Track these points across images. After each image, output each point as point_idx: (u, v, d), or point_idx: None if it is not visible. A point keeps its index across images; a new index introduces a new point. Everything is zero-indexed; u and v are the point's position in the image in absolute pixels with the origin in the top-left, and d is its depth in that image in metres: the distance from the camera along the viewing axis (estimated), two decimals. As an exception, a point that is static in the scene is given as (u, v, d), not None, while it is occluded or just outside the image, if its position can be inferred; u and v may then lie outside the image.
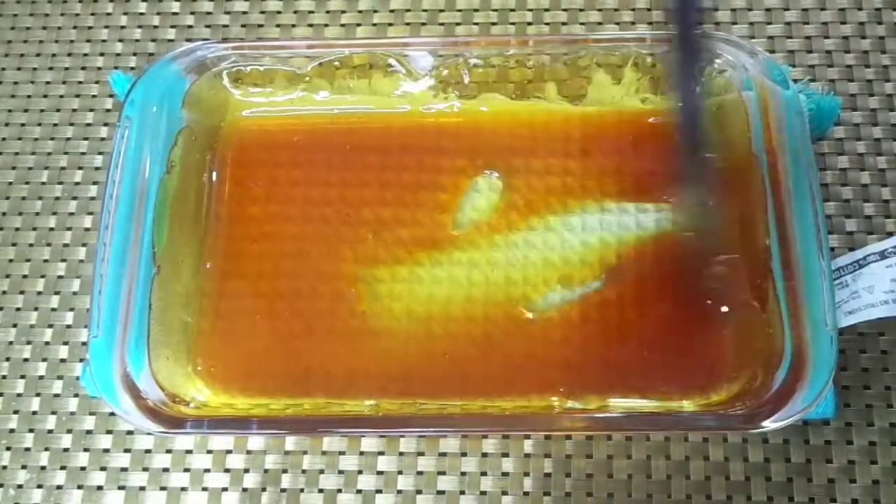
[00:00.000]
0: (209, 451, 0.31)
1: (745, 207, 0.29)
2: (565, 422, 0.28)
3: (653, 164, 0.32)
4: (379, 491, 0.30)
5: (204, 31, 0.37)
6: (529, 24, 0.36)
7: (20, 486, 0.31)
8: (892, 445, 0.30)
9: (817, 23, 0.36)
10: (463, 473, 0.30)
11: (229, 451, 0.31)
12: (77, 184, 0.35)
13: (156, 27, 0.37)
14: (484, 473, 0.30)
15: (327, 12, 0.37)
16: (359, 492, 0.30)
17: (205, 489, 0.30)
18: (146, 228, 0.29)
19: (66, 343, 0.32)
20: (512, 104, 0.33)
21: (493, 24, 0.36)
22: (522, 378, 0.29)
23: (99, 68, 0.36)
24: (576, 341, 0.30)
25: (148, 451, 0.31)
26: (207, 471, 0.31)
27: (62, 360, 0.32)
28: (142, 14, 0.37)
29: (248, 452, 0.31)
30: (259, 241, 0.32)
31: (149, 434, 0.31)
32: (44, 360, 0.32)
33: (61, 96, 0.36)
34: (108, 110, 0.36)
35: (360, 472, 0.30)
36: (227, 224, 0.32)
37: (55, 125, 0.36)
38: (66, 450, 0.31)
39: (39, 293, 0.33)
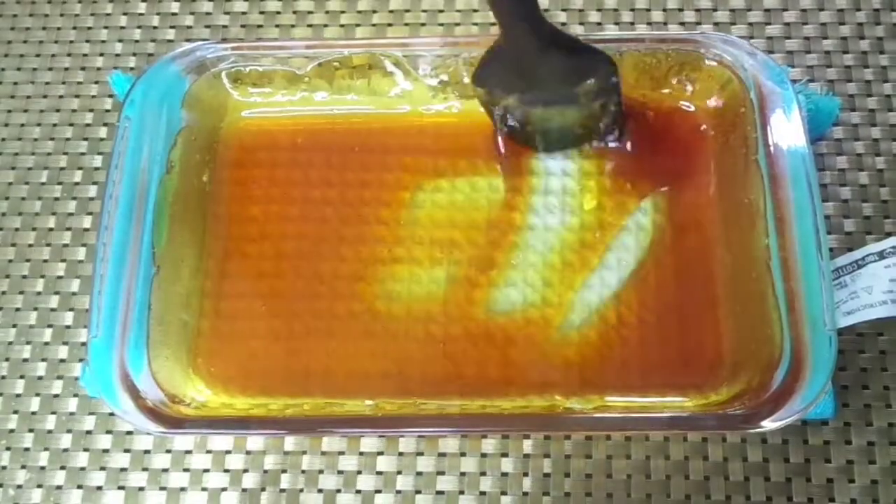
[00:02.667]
0: (209, 452, 0.31)
1: (743, 206, 0.29)
2: (565, 422, 0.28)
3: (652, 163, 0.32)
4: (378, 491, 0.30)
5: (203, 31, 0.37)
6: (529, 24, 0.36)
7: (20, 487, 0.31)
8: (891, 445, 0.30)
9: (816, 23, 0.36)
10: (462, 473, 0.30)
11: (228, 452, 0.31)
12: (77, 184, 0.35)
13: (155, 27, 0.37)
14: (483, 473, 0.30)
15: (327, 12, 0.37)
16: (358, 492, 0.30)
17: (204, 489, 0.30)
18: (146, 228, 0.29)
19: (65, 343, 0.32)
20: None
21: (493, 24, 0.36)
22: (522, 378, 0.29)
23: (99, 68, 0.36)
24: (575, 341, 0.30)
25: (147, 452, 0.31)
26: (207, 471, 0.31)
27: (62, 360, 0.32)
28: (141, 14, 0.37)
29: (248, 453, 0.31)
30: (259, 241, 0.32)
31: (148, 434, 0.31)
32: (43, 360, 0.32)
33: (61, 96, 0.36)
34: (107, 110, 0.36)
35: (359, 472, 0.30)
36: (227, 224, 0.32)
37: (55, 125, 0.36)
38: (65, 450, 0.31)
39: (39, 293, 0.33)
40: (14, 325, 0.33)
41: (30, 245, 0.34)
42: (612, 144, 0.32)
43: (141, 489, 0.31)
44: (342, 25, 0.37)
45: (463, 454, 0.30)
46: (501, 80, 0.29)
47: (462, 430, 0.30)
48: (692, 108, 0.32)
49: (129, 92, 0.30)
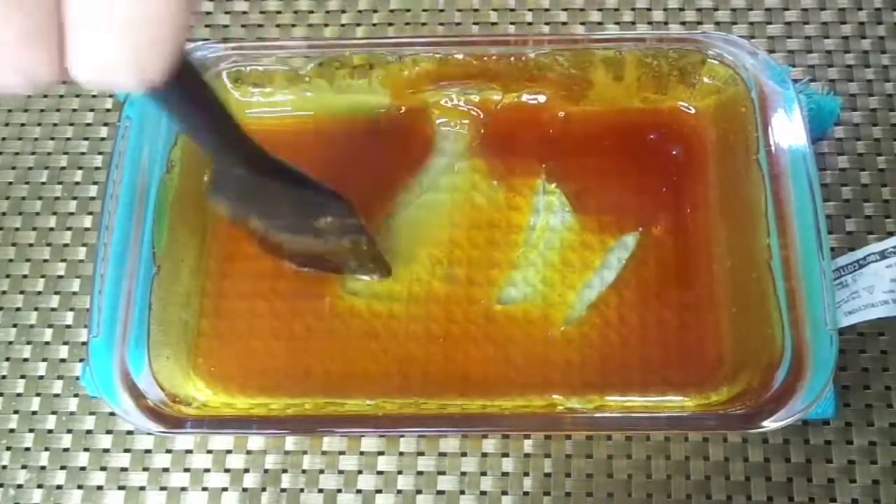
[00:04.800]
0: (209, 451, 0.31)
1: (744, 205, 0.29)
2: (565, 422, 0.28)
3: (651, 163, 0.32)
4: (379, 491, 0.30)
5: (204, 31, 0.37)
6: (529, 24, 0.36)
7: (20, 486, 0.31)
8: (892, 445, 0.30)
9: (817, 23, 0.36)
10: (463, 473, 0.30)
11: (229, 451, 0.31)
12: (77, 184, 0.35)
13: (156, 27, 0.37)
14: (484, 473, 0.30)
15: (327, 12, 0.37)
16: (359, 492, 0.30)
17: (205, 489, 0.30)
18: (146, 228, 0.29)
19: (66, 343, 0.32)
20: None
21: (494, 24, 0.36)
22: (523, 377, 0.29)
23: (99, 68, 0.36)
24: (576, 340, 0.30)
25: (148, 451, 0.31)
26: (207, 471, 0.31)
27: (62, 360, 0.32)
28: (142, 14, 0.37)
29: (248, 452, 0.31)
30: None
31: (149, 434, 0.31)
32: (44, 360, 0.32)
33: (61, 96, 0.36)
34: (108, 110, 0.36)
35: (360, 472, 0.30)
36: (227, 224, 0.32)
37: (56, 125, 0.36)
38: (66, 450, 0.31)
39: (39, 293, 0.33)
40: (14, 325, 0.33)
41: (30, 244, 0.34)
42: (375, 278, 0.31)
43: (141, 489, 0.31)
44: (342, 25, 0.37)
45: (464, 454, 0.30)
46: (239, 200, 0.28)
47: (463, 430, 0.30)
48: (693, 108, 0.32)
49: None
